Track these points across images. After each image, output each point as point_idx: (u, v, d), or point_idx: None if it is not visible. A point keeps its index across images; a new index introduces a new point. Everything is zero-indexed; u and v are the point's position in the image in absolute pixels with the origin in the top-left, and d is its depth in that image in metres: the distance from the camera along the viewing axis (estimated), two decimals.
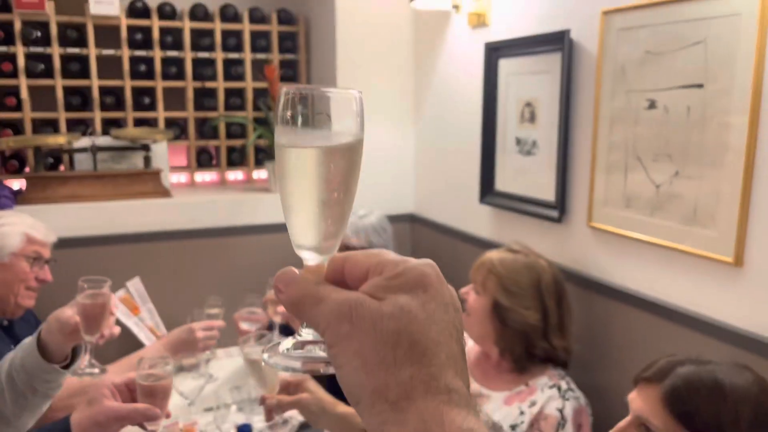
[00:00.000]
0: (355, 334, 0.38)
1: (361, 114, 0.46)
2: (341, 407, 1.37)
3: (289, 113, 0.45)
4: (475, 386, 1.67)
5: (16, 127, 2.59)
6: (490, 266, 1.65)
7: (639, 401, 1.09)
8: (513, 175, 2.16)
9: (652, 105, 1.58)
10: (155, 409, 1.08)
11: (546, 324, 1.61)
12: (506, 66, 2.15)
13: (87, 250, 2.37)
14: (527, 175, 2.08)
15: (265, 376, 1.38)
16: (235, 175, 3.08)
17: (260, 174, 3.02)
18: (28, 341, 1.33)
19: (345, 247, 2.32)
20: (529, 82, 2.05)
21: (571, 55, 1.83)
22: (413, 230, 2.88)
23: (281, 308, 1.60)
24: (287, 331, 2.06)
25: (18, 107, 2.54)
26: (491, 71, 2.20)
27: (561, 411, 1.54)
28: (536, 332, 1.60)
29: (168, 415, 1.12)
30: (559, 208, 1.93)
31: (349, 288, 0.42)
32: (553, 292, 1.64)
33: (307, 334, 0.47)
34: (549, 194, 1.97)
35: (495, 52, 2.19)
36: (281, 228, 2.39)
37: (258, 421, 1.67)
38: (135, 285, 2.44)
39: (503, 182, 2.21)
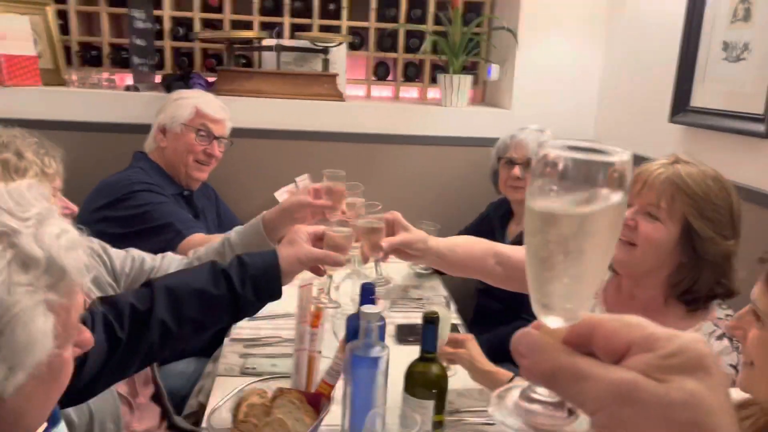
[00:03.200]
0: (640, 421, 0.35)
1: (628, 177, 0.42)
2: (487, 366, 1.43)
3: (546, 176, 0.42)
4: None
5: (216, 27, 2.80)
6: (678, 182, 1.28)
7: (756, 288, 0.93)
8: (714, 86, 1.85)
9: None
10: (342, 257, 1.23)
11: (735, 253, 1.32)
12: None
13: (263, 142, 2.52)
14: (731, 84, 1.77)
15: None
16: (410, 93, 3.06)
17: (434, 93, 2.97)
18: (246, 225, 1.52)
19: (527, 161, 2.17)
20: None
21: None
22: None
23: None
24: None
25: (219, 9, 2.74)
26: None
27: (735, 367, 1.27)
28: (729, 265, 1.30)
29: (344, 263, 1.27)
30: (767, 122, 1.61)
31: (596, 358, 0.39)
32: (740, 214, 1.33)
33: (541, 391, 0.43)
34: (756, 106, 1.65)
35: None
36: (449, 141, 2.25)
37: None
38: (303, 181, 2.55)
39: (701, 96, 1.91)
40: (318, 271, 1.26)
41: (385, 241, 1.37)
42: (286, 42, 2.63)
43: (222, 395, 1.35)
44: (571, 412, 0.41)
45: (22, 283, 0.66)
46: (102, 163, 2.21)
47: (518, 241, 2.22)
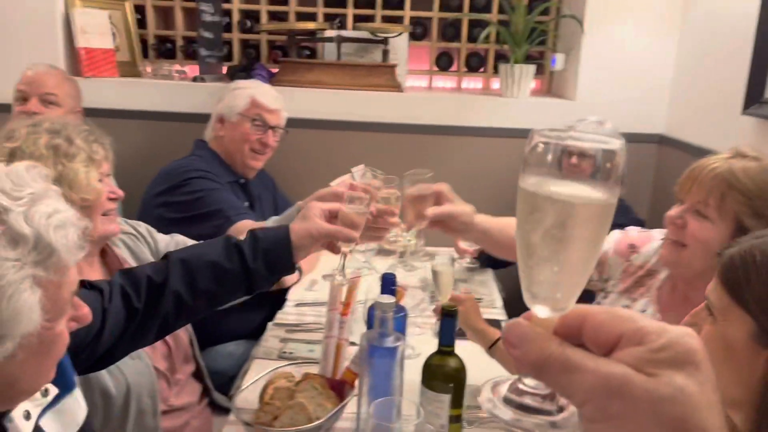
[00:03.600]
0: (628, 415, 0.36)
1: (621, 166, 0.43)
2: (479, 324, 1.44)
3: (538, 160, 0.43)
4: None
5: (282, 19, 2.87)
6: (730, 179, 1.19)
7: (710, 283, 0.87)
8: None
9: None
10: (354, 233, 1.23)
11: None
12: None
13: (322, 133, 2.56)
14: None
15: (440, 285, 1.60)
16: (474, 83, 3.01)
17: (498, 84, 2.90)
18: (283, 214, 1.52)
19: (580, 152, 2.08)
20: None
21: None
22: (660, 154, 2.50)
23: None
24: None
25: (285, 1, 2.80)
26: None
27: None
28: None
29: (358, 243, 1.27)
30: None
31: (585, 348, 0.39)
32: None
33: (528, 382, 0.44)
34: None
35: None
36: (510, 133, 2.20)
37: None
38: (359, 171, 2.56)
39: None
40: (333, 248, 1.26)
41: (431, 210, 1.35)
42: (347, 33, 2.66)
43: (256, 377, 1.40)
44: (560, 405, 0.42)
45: (9, 258, 0.70)
46: (169, 150, 2.31)
47: None
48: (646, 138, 2.47)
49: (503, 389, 0.44)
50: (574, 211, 0.42)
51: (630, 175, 2.13)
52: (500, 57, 2.84)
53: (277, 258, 1.17)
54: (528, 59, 2.57)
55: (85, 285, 1.08)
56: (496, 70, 2.85)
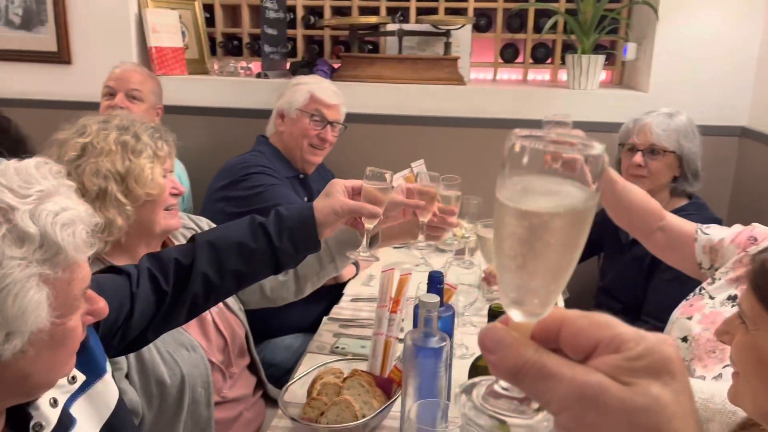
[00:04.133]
0: (603, 424, 0.36)
1: (598, 173, 0.41)
2: None
3: (514, 164, 0.41)
4: None
5: (345, 14, 2.87)
6: None
7: (742, 291, 0.86)
8: None
9: None
10: (378, 209, 1.23)
11: None
12: None
13: (383, 127, 2.54)
14: None
15: (487, 250, 1.60)
16: (541, 75, 2.92)
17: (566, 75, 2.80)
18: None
19: (650, 148, 1.97)
20: None
21: None
22: (741, 147, 2.34)
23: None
24: None
25: None
26: None
27: None
28: None
29: (382, 220, 1.27)
30: None
31: (562, 353, 0.39)
32: None
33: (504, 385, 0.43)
34: None
35: None
36: (575, 126, 2.13)
37: None
38: (419, 166, 2.54)
39: None
40: (357, 225, 1.25)
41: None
42: (408, 26, 2.63)
43: (304, 372, 1.41)
44: (537, 408, 0.41)
45: (15, 257, 0.71)
46: (234, 145, 2.37)
47: None
48: (726, 131, 2.31)
49: (480, 392, 0.43)
50: (549, 219, 0.41)
51: (708, 171, 2.00)
52: (568, 47, 2.74)
53: (302, 235, 1.18)
54: (597, 49, 2.46)
55: (112, 270, 1.10)
56: (563, 62, 2.76)
